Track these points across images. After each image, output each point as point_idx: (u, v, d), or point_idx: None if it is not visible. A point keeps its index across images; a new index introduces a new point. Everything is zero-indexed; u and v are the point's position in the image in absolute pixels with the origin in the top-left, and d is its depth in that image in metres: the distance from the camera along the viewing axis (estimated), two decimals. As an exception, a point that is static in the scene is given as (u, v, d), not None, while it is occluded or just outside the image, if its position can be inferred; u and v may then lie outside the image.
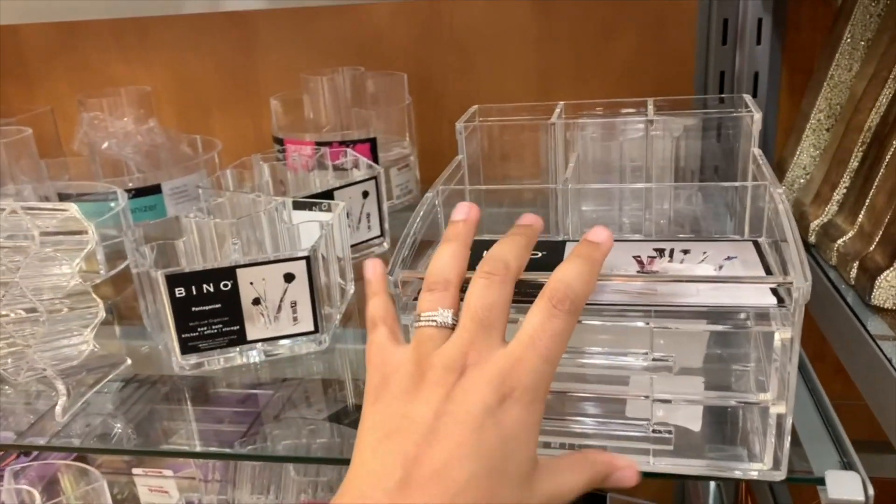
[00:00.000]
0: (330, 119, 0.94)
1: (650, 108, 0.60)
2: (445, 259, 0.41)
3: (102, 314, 0.58)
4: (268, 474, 0.88)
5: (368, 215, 0.78)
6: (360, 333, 0.66)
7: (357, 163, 0.84)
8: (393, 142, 0.96)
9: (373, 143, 0.89)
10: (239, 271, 0.56)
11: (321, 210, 0.68)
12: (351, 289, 0.69)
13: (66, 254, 0.57)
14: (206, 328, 0.56)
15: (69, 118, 1.13)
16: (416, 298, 0.42)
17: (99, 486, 0.75)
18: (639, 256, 0.48)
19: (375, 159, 0.88)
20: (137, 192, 0.90)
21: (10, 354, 0.58)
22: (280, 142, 0.93)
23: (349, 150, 0.86)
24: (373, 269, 0.44)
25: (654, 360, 0.42)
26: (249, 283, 0.56)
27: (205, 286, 0.55)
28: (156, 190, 0.93)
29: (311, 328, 0.59)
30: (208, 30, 1.06)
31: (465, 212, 0.43)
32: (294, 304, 0.58)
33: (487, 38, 0.99)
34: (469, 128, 0.62)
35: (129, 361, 0.62)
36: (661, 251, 0.49)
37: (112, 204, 0.86)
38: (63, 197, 0.88)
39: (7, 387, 0.59)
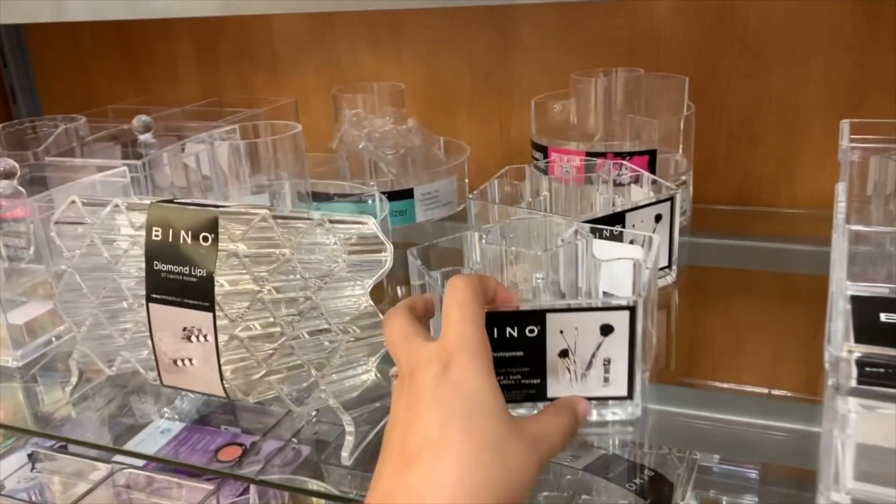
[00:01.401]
0: (599, 125, 0.84)
1: None
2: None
3: (390, 342, 0.52)
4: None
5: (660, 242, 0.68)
6: (673, 392, 0.56)
7: (638, 178, 0.74)
8: (663, 153, 0.85)
9: (652, 155, 0.79)
10: (549, 316, 0.47)
11: (611, 237, 0.58)
12: (654, 340, 0.59)
13: (358, 273, 0.51)
14: (502, 377, 0.48)
15: (312, 111, 1.11)
16: None
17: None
18: None
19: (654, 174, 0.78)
20: (389, 196, 0.85)
21: (288, 378, 0.53)
22: (541, 148, 0.85)
23: (626, 164, 0.76)
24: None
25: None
26: (559, 332, 0.48)
27: (508, 329, 0.47)
28: (408, 194, 0.88)
29: (624, 393, 0.50)
30: (465, 25, 0.99)
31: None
32: (607, 363, 0.49)
33: (789, 41, 0.85)
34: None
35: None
36: None
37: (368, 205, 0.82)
38: (318, 195, 0.85)
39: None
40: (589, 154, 0.79)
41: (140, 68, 1.24)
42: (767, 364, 0.65)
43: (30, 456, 0.89)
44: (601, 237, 0.57)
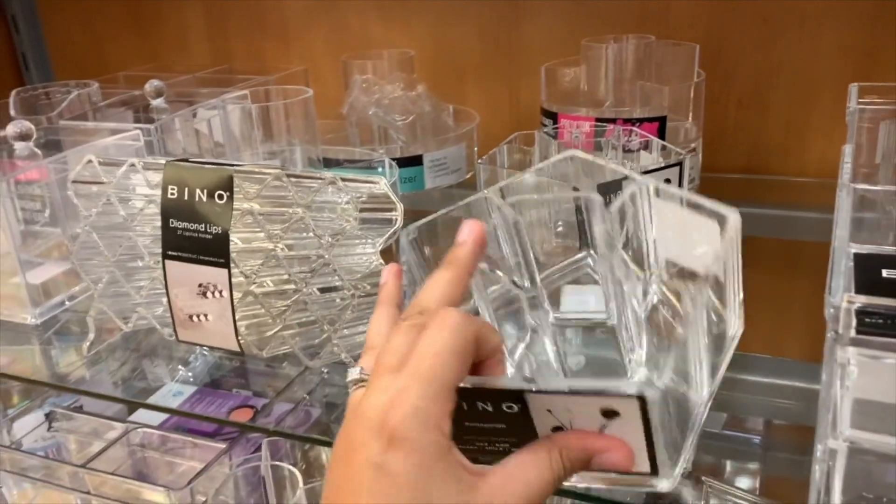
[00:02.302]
0: (609, 92, 0.85)
1: None
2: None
3: (401, 300, 0.53)
4: None
5: (667, 207, 0.68)
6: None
7: (648, 144, 0.74)
8: (673, 121, 0.85)
9: (662, 122, 0.79)
10: (529, 396, 0.33)
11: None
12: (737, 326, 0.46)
13: (369, 232, 0.52)
14: (486, 444, 0.37)
15: (321, 78, 1.12)
16: None
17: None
18: None
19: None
20: (399, 163, 0.86)
21: (300, 334, 0.55)
22: (551, 115, 0.85)
23: (636, 129, 0.76)
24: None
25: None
26: (546, 411, 0.33)
27: (480, 404, 0.34)
28: (417, 161, 0.89)
29: (647, 469, 0.35)
30: (475, -8, 0.99)
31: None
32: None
33: (800, 8, 0.85)
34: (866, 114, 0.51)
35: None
36: None
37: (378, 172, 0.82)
38: (328, 161, 0.86)
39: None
40: (599, 120, 0.79)
41: (150, 36, 1.25)
42: (774, 331, 0.66)
43: (47, 415, 0.91)
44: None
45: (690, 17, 0.90)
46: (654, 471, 0.35)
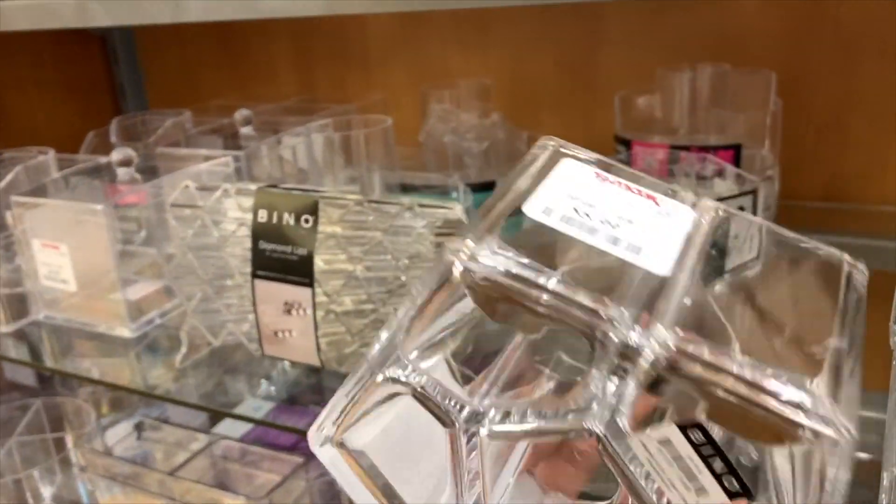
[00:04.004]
0: (684, 120, 0.85)
1: None
2: None
3: (474, 321, 0.55)
4: None
5: (741, 234, 0.68)
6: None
7: (722, 172, 0.74)
8: (748, 148, 0.85)
9: (737, 150, 0.79)
10: None
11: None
12: None
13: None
14: None
15: (401, 107, 1.15)
16: None
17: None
18: None
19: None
20: (473, 188, 0.88)
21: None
22: (624, 142, 0.86)
23: (710, 157, 0.76)
24: None
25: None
26: None
27: None
28: (490, 187, 0.91)
29: None
30: (552, 22, 1.01)
31: None
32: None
33: (881, 35, 0.84)
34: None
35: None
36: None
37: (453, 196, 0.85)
38: (404, 187, 0.89)
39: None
40: (673, 147, 0.80)
41: (240, 67, 1.31)
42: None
43: (136, 426, 0.96)
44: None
45: (768, 45, 0.90)
46: None
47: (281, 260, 0.55)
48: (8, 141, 0.91)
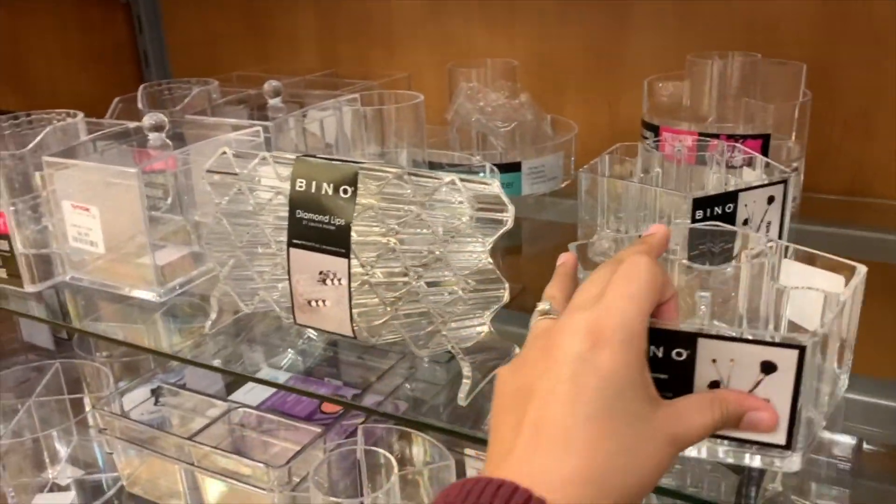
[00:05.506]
0: (713, 108, 0.85)
1: None
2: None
3: (506, 298, 0.55)
4: None
5: (769, 224, 0.69)
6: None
7: (751, 161, 0.74)
8: (776, 139, 0.85)
9: (766, 139, 0.79)
10: (701, 342, 0.40)
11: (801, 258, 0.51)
12: (843, 383, 0.51)
13: (479, 231, 0.55)
14: None
15: (424, 86, 1.15)
16: None
17: (446, 466, 0.75)
18: None
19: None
20: (499, 168, 0.89)
21: (406, 325, 0.58)
22: (652, 128, 0.86)
23: (739, 146, 0.77)
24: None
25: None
26: (711, 361, 0.40)
27: (653, 348, 0.41)
28: (515, 167, 0.91)
29: (783, 441, 0.41)
30: (580, 4, 1.01)
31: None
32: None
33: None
34: None
35: (517, 350, 0.59)
36: None
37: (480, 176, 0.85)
38: (431, 165, 0.89)
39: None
40: (701, 135, 0.80)
41: (262, 38, 1.31)
42: (873, 354, 0.65)
43: (153, 391, 0.97)
44: (788, 256, 0.53)
45: (799, 35, 0.90)
46: (788, 444, 0.41)
47: (318, 229, 0.55)
48: (32, 105, 0.92)
